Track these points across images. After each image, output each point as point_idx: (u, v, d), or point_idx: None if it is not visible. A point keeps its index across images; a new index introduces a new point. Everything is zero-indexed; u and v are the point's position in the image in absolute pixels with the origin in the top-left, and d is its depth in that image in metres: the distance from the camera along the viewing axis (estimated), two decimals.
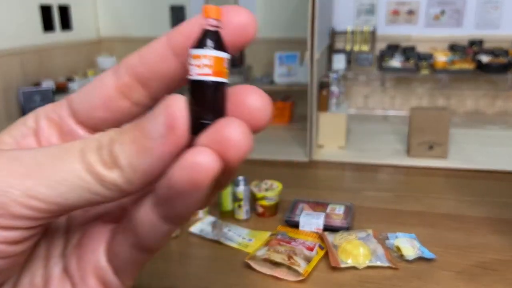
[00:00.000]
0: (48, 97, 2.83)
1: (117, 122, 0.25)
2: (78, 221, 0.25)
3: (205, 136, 0.20)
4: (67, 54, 3.39)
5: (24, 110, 2.76)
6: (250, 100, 0.21)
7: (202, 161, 0.19)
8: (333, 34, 3.28)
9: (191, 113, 0.20)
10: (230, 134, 0.20)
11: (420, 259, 1.31)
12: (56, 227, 0.25)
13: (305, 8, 2.18)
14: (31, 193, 0.19)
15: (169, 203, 0.21)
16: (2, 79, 2.76)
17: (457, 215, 1.63)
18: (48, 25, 3.14)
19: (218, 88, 0.21)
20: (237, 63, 3.31)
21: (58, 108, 0.25)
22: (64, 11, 3.32)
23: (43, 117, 0.25)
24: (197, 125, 0.20)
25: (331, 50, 3.23)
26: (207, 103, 0.20)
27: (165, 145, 0.20)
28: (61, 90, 3.09)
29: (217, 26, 0.21)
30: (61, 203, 0.20)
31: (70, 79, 3.29)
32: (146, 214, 0.22)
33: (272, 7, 3.40)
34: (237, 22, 0.22)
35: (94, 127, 0.25)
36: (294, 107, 3.23)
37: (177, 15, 3.62)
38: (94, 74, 3.56)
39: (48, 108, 0.26)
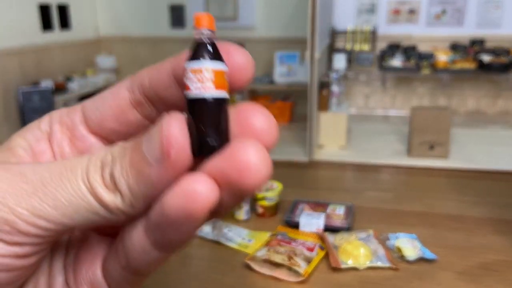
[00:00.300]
0: (47, 96, 2.83)
1: (127, 134, 0.24)
2: (77, 233, 0.25)
3: (219, 161, 0.19)
4: (66, 53, 3.39)
5: (23, 109, 2.75)
6: (256, 120, 0.20)
7: (199, 189, 0.18)
8: (334, 34, 3.27)
9: (192, 133, 0.18)
10: (249, 158, 0.18)
11: (421, 259, 1.31)
12: (59, 239, 0.25)
13: (305, 8, 2.17)
14: (37, 212, 0.19)
15: (162, 230, 0.20)
16: (0, 78, 2.75)
17: (458, 215, 1.62)
18: (47, 25, 3.13)
19: (220, 104, 0.19)
20: None
21: (72, 113, 0.25)
22: (63, 10, 3.31)
23: (57, 121, 0.25)
24: (201, 146, 0.19)
25: (332, 49, 3.22)
26: (209, 121, 0.19)
27: (162, 172, 0.18)
28: (60, 89, 3.08)
29: (211, 36, 0.19)
30: (67, 223, 0.19)
31: (69, 79, 3.28)
32: (138, 238, 0.21)
33: (272, 6, 3.39)
34: (234, 63, 0.21)
35: (104, 136, 0.25)
36: (294, 107, 3.22)
37: (176, 15, 3.61)
38: (93, 74, 3.55)
39: (62, 112, 0.25)
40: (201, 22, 0.19)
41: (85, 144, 0.25)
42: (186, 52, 0.21)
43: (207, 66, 0.19)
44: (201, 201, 0.18)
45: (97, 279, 0.23)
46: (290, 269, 1.26)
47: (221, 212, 0.20)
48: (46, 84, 2.94)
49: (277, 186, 1.65)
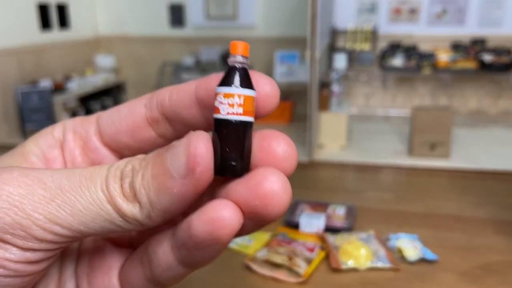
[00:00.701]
0: (46, 96, 2.82)
1: (140, 150, 0.25)
2: (89, 240, 0.26)
3: (244, 189, 0.20)
4: (65, 53, 3.38)
5: (21, 109, 2.74)
6: (279, 148, 0.21)
7: (226, 216, 0.19)
8: (334, 33, 3.26)
9: (216, 153, 0.20)
10: (273, 188, 0.19)
11: (422, 260, 1.30)
12: (69, 246, 0.25)
13: (305, 7, 2.16)
14: (53, 219, 0.19)
15: (188, 250, 0.21)
16: None
17: (460, 216, 1.61)
18: (46, 24, 3.12)
19: (246, 128, 0.20)
20: None
21: (87, 124, 0.26)
22: (62, 9, 3.30)
23: (71, 130, 0.26)
24: (224, 166, 0.20)
25: (332, 49, 3.22)
26: (234, 143, 0.20)
27: (185, 187, 0.19)
28: (59, 89, 3.07)
29: (244, 63, 0.20)
30: (83, 230, 0.20)
31: (68, 78, 3.27)
32: (164, 254, 0.22)
33: (272, 6, 3.38)
34: (261, 92, 0.21)
35: (117, 150, 0.25)
36: (294, 107, 3.21)
37: (176, 14, 3.60)
38: (92, 73, 3.54)
39: (76, 122, 0.26)
40: (236, 49, 0.20)
41: (98, 156, 0.25)
42: (211, 76, 0.22)
43: (238, 91, 0.20)
44: (227, 228, 0.19)
45: (113, 286, 0.24)
46: (290, 269, 1.25)
47: (242, 235, 0.21)
48: (45, 83, 2.93)
49: None
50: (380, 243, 1.35)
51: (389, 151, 2.41)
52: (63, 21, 3.33)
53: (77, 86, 3.21)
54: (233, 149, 0.20)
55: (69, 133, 0.25)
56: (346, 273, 1.25)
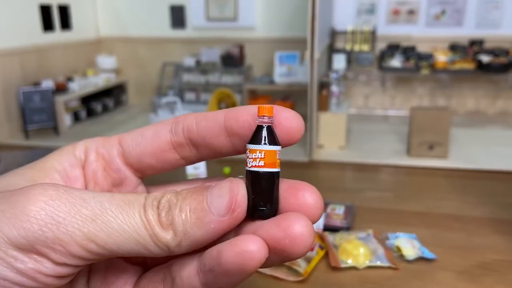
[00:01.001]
0: (48, 96, 2.83)
1: (162, 170, 0.27)
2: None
3: (275, 229, 0.22)
4: (67, 53, 3.39)
5: (23, 109, 2.75)
6: (311, 199, 0.24)
7: (254, 250, 0.21)
8: (334, 34, 3.27)
9: (248, 198, 0.23)
10: (302, 231, 0.22)
11: (421, 259, 1.31)
12: None
13: (305, 8, 2.18)
14: (92, 237, 0.21)
15: (214, 276, 0.23)
16: (2, 78, 2.76)
17: (458, 215, 1.62)
18: (47, 25, 3.14)
19: (270, 178, 0.23)
20: (237, 63, 3.30)
21: (109, 145, 0.27)
22: (63, 11, 3.31)
23: (93, 150, 0.27)
24: (254, 210, 0.23)
25: (332, 49, 3.23)
26: (262, 190, 0.23)
27: (223, 223, 0.22)
28: (60, 89, 3.08)
29: (270, 122, 0.24)
30: (115, 250, 0.21)
31: (69, 79, 3.28)
32: (189, 277, 0.23)
33: (272, 6, 3.39)
34: (287, 126, 0.24)
35: (140, 170, 0.27)
36: (294, 107, 3.22)
37: (177, 15, 3.61)
38: (93, 74, 3.56)
39: (98, 142, 0.27)
40: (262, 111, 0.24)
41: (120, 176, 0.27)
42: (240, 108, 0.25)
43: (261, 148, 0.23)
44: (255, 260, 0.21)
45: None
46: (289, 268, 1.26)
47: (265, 267, 0.23)
48: (47, 84, 2.94)
49: None
50: (379, 242, 1.37)
51: (388, 151, 2.42)
52: (65, 22, 3.34)
53: (78, 87, 3.22)
54: (260, 196, 0.23)
55: (91, 153, 0.27)
56: (345, 271, 1.26)
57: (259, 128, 0.24)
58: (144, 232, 0.21)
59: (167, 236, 0.22)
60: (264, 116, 0.24)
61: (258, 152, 0.23)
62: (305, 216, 0.22)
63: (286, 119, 0.24)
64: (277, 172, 0.24)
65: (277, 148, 0.24)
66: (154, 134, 0.26)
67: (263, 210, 0.23)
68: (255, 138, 0.24)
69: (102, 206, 0.21)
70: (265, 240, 0.22)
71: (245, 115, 0.25)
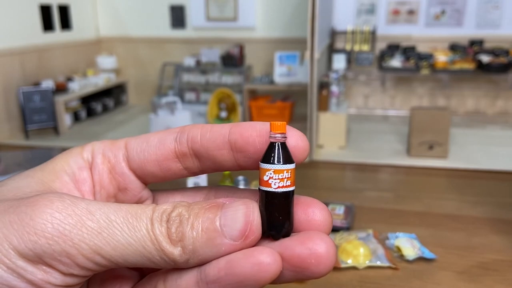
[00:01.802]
0: (48, 96, 2.83)
1: (165, 178, 0.27)
2: None
3: (298, 245, 0.22)
4: (67, 53, 3.39)
5: (23, 109, 2.75)
6: (317, 213, 0.24)
7: (270, 262, 0.21)
8: (334, 34, 3.27)
9: (263, 217, 0.23)
10: (325, 249, 0.21)
11: (421, 259, 1.31)
12: None
13: (305, 8, 2.18)
14: (98, 250, 0.21)
15: (221, 286, 0.22)
16: (2, 78, 2.76)
17: (457, 215, 1.62)
18: (48, 25, 3.14)
19: (285, 197, 0.23)
20: (237, 63, 3.31)
21: (115, 149, 0.27)
22: (63, 11, 3.31)
23: (100, 153, 0.27)
24: (271, 229, 0.23)
25: (331, 49, 3.23)
26: (284, 210, 0.23)
27: (234, 248, 0.22)
28: (60, 89, 3.09)
29: (283, 138, 0.23)
30: (121, 262, 0.22)
31: (69, 79, 3.29)
32: (186, 287, 0.23)
33: (272, 7, 3.39)
34: (295, 145, 0.24)
35: (142, 176, 0.27)
36: (294, 107, 3.22)
37: (177, 15, 3.61)
38: (93, 74, 3.56)
39: (105, 145, 0.27)
40: (275, 128, 0.23)
41: (124, 180, 0.27)
42: (244, 123, 0.25)
43: (275, 167, 0.23)
44: (271, 273, 0.21)
45: None
46: None
47: (277, 283, 0.23)
48: (47, 84, 2.94)
49: None
50: (379, 242, 1.37)
51: (387, 151, 2.43)
52: (65, 23, 3.34)
53: (78, 87, 3.22)
54: (283, 216, 0.23)
55: (98, 156, 0.27)
56: (345, 271, 1.27)
57: (274, 146, 0.23)
58: (151, 247, 0.21)
59: (174, 252, 0.21)
60: (277, 133, 0.23)
61: (285, 172, 0.23)
62: (326, 235, 0.22)
63: (292, 137, 0.24)
64: (292, 191, 0.24)
65: (291, 166, 0.23)
66: (159, 142, 0.26)
67: (281, 230, 0.23)
68: (268, 157, 0.23)
69: (108, 218, 0.21)
70: (289, 258, 0.22)
71: (250, 130, 0.25)
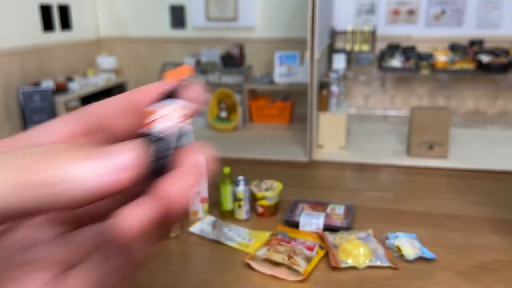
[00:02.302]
0: (48, 96, 2.83)
1: None
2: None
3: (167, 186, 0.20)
4: (67, 53, 3.39)
5: (23, 109, 2.76)
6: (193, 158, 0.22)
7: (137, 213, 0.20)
8: (334, 34, 3.27)
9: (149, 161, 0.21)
10: (173, 190, 0.20)
11: (421, 259, 1.31)
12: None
13: (305, 8, 2.18)
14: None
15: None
16: (2, 78, 2.76)
17: (457, 215, 1.63)
18: (48, 25, 3.14)
19: (172, 139, 0.21)
20: (237, 63, 3.31)
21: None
22: (64, 11, 3.31)
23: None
24: (153, 172, 0.21)
25: (331, 50, 3.23)
26: (158, 151, 0.21)
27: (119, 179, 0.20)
28: (60, 89, 3.08)
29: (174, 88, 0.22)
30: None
31: (69, 79, 3.29)
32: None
33: (272, 7, 3.40)
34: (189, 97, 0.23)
35: None
36: (294, 107, 3.22)
37: (177, 15, 3.62)
38: (93, 74, 3.56)
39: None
40: (170, 78, 0.23)
41: None
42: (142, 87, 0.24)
43: (161, 107, 0.22)
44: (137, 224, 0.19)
45: None
46: (290, 268, 1.27)
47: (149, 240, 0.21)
48: (47, 84, 2.94)
49: (277, 185, 1.65)
50: (379, 242, 1.37)
51: (387, 151, 2.43)
52: (65, 23, 3.34)
53: (78, 87, 3.22)
54: (156, 157, 0.21)
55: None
56: (345, 271, 1.27)
57: (163, 94, 0.22)
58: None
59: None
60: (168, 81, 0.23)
61: (157, 112, 0.21)
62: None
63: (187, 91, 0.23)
64: (184, 131, 0.22)
65: (181, 103, 0.22)
66: (62, 123, 0.25)
67: (158, 173, 0.21)
68: (156, 100, 0.22)
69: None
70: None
71: (148, 89, 0.25)
